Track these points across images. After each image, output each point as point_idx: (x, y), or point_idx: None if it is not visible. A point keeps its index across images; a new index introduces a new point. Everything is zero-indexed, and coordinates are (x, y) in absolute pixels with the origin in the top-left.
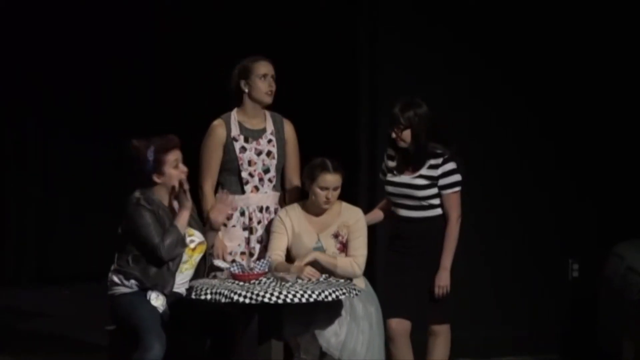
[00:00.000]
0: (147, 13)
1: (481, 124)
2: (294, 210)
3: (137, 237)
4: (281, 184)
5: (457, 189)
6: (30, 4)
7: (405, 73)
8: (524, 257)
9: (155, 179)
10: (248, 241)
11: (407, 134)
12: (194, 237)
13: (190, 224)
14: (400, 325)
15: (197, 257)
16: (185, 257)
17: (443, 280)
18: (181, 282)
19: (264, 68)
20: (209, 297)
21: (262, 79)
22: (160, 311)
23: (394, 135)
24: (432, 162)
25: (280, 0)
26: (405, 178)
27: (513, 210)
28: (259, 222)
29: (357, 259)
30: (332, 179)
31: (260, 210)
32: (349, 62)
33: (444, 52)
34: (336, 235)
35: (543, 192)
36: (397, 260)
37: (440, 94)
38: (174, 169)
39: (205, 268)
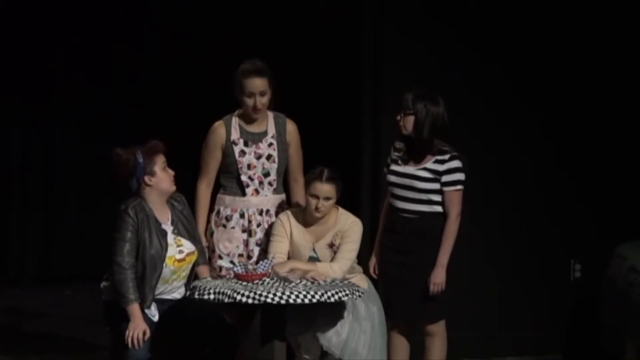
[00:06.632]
0: (150, 13)
1: (483, 124)
2: (295, 216)
3: (112, 245)
4: (285, 186)
5: (460, 187)
6: (33, 4)
7: (409, 74)
8: (526, 258)
9: (147, 181)
10: (247, 243)
11: (409, 121)
12: (183, 247)
13: (179, 232)
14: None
15: (186, 267)
16: (172, 268)
17: (439, 278)
18: (171, 290)
19: (249, 86)
20: (211, 296)
21: (249, 97)
22: (155, 319)
23: (398, 118)
24: (439, 157)
25: (283, 1)
26: (409, 169)
27: (515, 211)
28: (258, 225)
29: (339, 261)
30: (322, 189)
31: (260, 213)
32: (352, 62)
33: (448, 53)
34: (331, 245)
35: (545, 192)
36: (391, 258)
37: (443, 94)
38: (163, 171)
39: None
